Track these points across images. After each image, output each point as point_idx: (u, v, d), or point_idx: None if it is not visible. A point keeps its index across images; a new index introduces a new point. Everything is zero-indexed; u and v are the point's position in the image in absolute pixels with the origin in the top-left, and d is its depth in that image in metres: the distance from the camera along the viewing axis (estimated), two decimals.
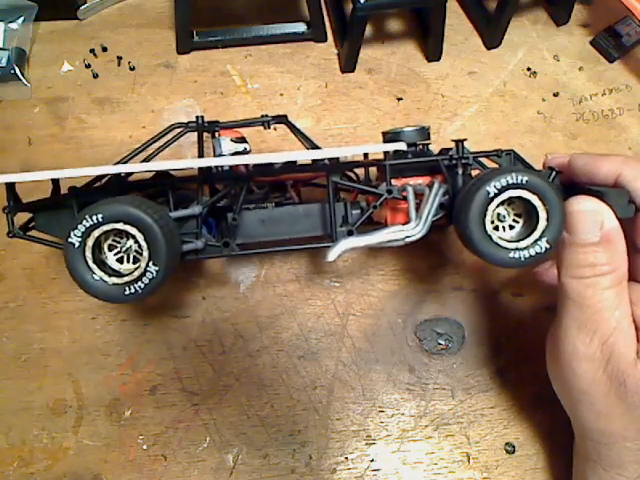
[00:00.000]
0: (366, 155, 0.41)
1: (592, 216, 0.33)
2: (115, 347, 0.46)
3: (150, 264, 0.31)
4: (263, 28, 0.55)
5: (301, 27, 0.56)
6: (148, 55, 0.55)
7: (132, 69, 0.54)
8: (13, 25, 0.53)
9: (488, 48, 0.57)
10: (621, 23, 0.56)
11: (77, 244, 0.31)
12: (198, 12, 0.53)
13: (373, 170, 0.41)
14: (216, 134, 0.38)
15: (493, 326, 0.48)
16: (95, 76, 0.54)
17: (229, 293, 0.48)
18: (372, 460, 0.45)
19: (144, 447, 0.44)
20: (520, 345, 0.47)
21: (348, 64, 0.55)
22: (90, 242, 0.31)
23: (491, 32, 0.56)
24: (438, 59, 0.56)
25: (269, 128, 0.40)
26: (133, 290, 0.31)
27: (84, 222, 0.31)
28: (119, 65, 0.54)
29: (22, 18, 0.53)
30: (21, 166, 0.51)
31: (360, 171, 0.42)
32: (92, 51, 0.54)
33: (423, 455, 0.45)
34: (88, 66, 0.54)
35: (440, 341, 0.48)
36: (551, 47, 0.57)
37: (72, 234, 0.31)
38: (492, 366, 0.47)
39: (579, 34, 0.58)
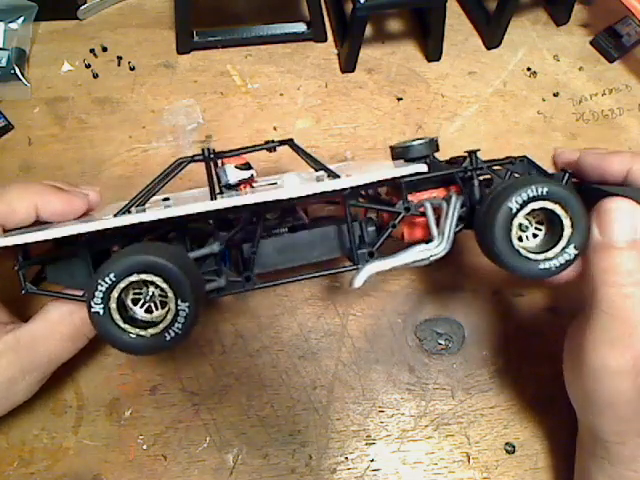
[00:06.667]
0: None
1: (628, 216, 0.32)
2: None
3: (179, 302, 0.30)
4: (263, 28, 0.55)
5: (301, 27, 0.56)
6: (148, 55, 0.55)
7: (132, 69, 0.54)
8: (13, 25, 0.53)
9: (488, 48, 0.57)
10: (621, 23, 0.56)
11: (101, 311, 0.30)
12: (198, 12, 0.53)
13: None
14: (219, 162, 0.36)
15: (493, 326, 0.48)
16: (95, 76, 0.54)
17: None
18: (372, 460, 0.45)
19: (144, 447, 0.44)
20: (520, 345, 0.47)
21: (348, 64, 0.55)
22: (113, 304, 0.30)
23: (491, 32, 0.56)
24: (438, 59, 0.56)
25: (275, 151, 0.37)
26: (173, 334, 0.30)
27: (99, 287, 0.29)
28: (119, 65, 0.54)
29: (22, 18, 0.53)
30: (21, 166, 0.51)
31: None
32: (92, 51, 0.54)
33: (423, 455, 0.45)
34: (88, 66, 0.54)
35: (440, 341, 0.48)
36: (551, 47, 0.57)
37: (93, 303, 0.30)
38: (492, 366, 0.47)
39: (579, 34, 0.58)
